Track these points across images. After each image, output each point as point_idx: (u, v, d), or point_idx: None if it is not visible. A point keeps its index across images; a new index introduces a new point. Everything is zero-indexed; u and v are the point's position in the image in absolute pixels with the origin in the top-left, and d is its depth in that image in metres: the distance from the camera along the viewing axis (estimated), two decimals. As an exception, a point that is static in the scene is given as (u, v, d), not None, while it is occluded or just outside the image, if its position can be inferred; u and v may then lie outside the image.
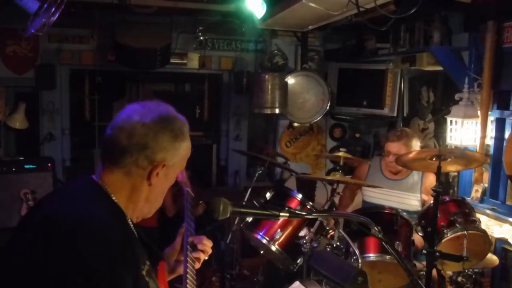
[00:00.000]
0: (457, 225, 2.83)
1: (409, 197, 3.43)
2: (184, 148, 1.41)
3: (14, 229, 1.30)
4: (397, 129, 3.61)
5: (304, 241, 2.83)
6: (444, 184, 3.87)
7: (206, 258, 1.72)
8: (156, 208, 1.46)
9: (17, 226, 1.31)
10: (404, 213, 3.01)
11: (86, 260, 1.14)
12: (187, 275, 1.63)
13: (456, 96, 3.50)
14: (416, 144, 3.38)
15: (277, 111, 5.02)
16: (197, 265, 1.68)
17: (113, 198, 1.33)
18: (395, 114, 4.97)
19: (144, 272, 1.29)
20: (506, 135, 3.31)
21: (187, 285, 1.62)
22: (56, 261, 1.14)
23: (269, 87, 4.90)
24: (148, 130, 1.32)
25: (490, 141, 3.45)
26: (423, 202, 3.39)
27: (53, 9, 2.85)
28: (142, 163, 1.32)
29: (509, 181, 3.30)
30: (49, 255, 1.15)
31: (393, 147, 3.36)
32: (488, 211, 3.40)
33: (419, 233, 2.99)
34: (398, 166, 3.23)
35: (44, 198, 1.38)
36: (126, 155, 1.31)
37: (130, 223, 1.37)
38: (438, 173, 2.73)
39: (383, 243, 1.77)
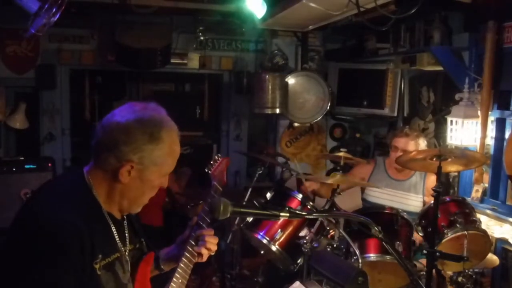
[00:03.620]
0: (458, 225, 2.83)
1: (412, 198, 3.44)
2: (159, 154, 1.41)
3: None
4: (405, 127, 3.64)
5: (305, 241, 2.83)
6: (444, 184, 3.87)
7: (212, 253, 1.71)
8: (140, 206, 1.50)
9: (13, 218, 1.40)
10: (405, 213, 3.01)
11: (41, 256, 1.25)
12: (178, 269, 1.63)
13: (456, 96, 3.50)
14: (423, 143, 3.41)
15: (277, 111, 5.02)
16: (200, 260, 1.68)
17: (94, 192, 1.41)
18: (395, 114, 4.97)
19: (97, 266, 1.34)
20: (507, 135, 3.30)
21: (174, 279, 1.62)
22: (13, 253, 1.27)
23: (270, 87, 4.90)
24: (120, 130, 1.37)
25: (490, 141, 3.45)
26: (424, 204, 3.40)
27: (54, 10, 2.85)
28: (111, 160, 1.38)
29: (509, 181, 3.30)
30: (9, 249, 1.29)
31: (401, 142, 3.38)
32: (488, 211, 3.40)
33: (420, 233, 2.99)
34: None
35: (37, 191, 1.45)
36: (101, 152, 1.40)
37: (107, 216, 1.43)
38: (439, 173, 2.72)
39: (383, 243, 1.77)
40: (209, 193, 1.89)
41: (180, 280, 1.63)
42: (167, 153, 1.43)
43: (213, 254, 1.71)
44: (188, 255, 1.64)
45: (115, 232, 1.45)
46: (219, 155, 2.07)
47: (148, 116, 1.41)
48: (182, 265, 1.63)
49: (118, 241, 1.46)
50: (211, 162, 2.02)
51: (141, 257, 1.60)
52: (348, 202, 3.83)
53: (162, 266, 1.70)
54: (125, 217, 1.54)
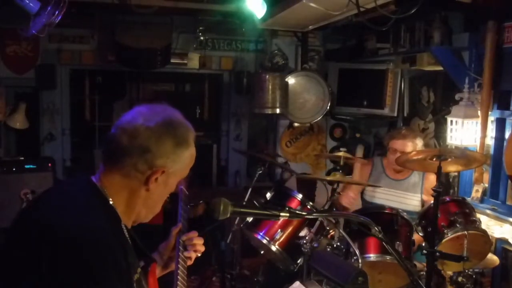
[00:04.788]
0: (458, 225, 2.83)
1: (410, 197, 3.44)
2: (186, 156, 1.36)
3: (9, 228, 1.27)
4: (401, 128, 3.62)
5: (305, 241, 2.83)
6: (444, 184, 3.87)
7: (199, 255, 1.72)
8: (154, 214, 1.43)
9: (12, 226, 1.28)
10: (405, 213, 3.02)
11: (92, 269, 1.13)
12: (178, 277, 1.63)
13: (457, 96, 3.50)
14: (420, 143, 3.41)
15: (277, 111, 5.01)
16: (189, 263, 1.69)
17: (111, 201, 1.30)
18: (395, 114, 4.97)
19: (135, 280, 1.28)
20: (507, 135, 3.30)
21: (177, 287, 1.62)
22: (61, 269, 1.13)
23: (270, 87, 4.90)
24: (150, 134, 1.28)
25: (490, 141, 3.45)
26: (423, 203, 3.40)
27: (57, 12, 2.85)
28: (141, 167, 1.29)
29: (509, 181, 3.30)
30: (52, 263, 1.13)
31: (399, 144, 3.38)
32: (488, 211, 3.40)
33: (420, 233, 2.99)
34: None
35: (41, 198, 1.34)
36: (126, 157, 1.28)
37: (124, 228, 1.33)
38: (439, 173, 2.72)
39: (383, 243, 1.77)
40: (181, 197, 1.88)
41: None
42: (191, 155, 1.39)
43: (199, 255, 1.73)
44: (181, 261, 1.65)
45: (131, 244, 1.36)
46: None
47: (174, 118, 1.35)
48: (179, 272, 1.64)
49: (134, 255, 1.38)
50: None
51: (143, 269, 1.51)
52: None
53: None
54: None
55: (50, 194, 1.37)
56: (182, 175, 1.40)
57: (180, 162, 1.34)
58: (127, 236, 1.34)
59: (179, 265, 1.64)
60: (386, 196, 3.47)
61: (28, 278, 1.14)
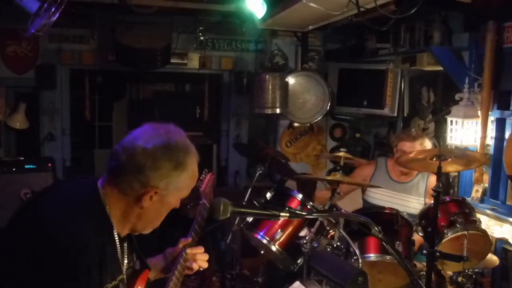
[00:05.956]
0: (458, 225, 2.83)
1: (413, 200, 3.44)
2: (183, 179, 1.40)
3: (9, 220, 1.36)
4: (409, 130, 3.62)
5: (305, 241, 2.82)
6: (444, 184, 3.87)
7: (201, 269, 1.76)
8: (153, 228, 1.49)
9: (12, 218, 1.36)
10: (405, 214, 3.01)
11: (65, 272, 1.23)
12: (172, 280, 1.65)
13: (457, 96, 3.50)
14: (428, 144, 3.41)
15: (277, 111, 5.02)
16: (189, 272, 1.73)
17: (107, 210, 1.37)
18: (395, 114, 4.96)
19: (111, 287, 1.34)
20: (507, 135, 3.30)
21: None
22: (41, 266, 1.23)
23: (270, 87, 4.90)
24: (147, 156, 1.34)
25: (490, 141, 3.45)
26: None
27: (53, 9, 2.85)
28: (135, 185, 1.35)
29: (509, 181, 3.30)
30: (31, 258, 1.24)
31: (409, 146, 3.35)
32: (488, 211, 3.40)
33: (420, 233, 2.99)
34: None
35: (42, 194, 1.41)
36: (122, 174, 1.35)
37: (116, 236, 1.40)
38: (439, 173, 2.72)
39: (383, 243, 1.77)
40: (198, 210, 1.88)
41: None
42: (190, 177, 1.43)
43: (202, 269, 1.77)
44: (180, 268, 1.68)
45: (119, 252, 1.43)
46: (206, 170, 2.05)
47: (173, 141, 1.38)
48: (174, 278, 1.66)
49: (120, 262, 1.44)
50: (200, 178, 1.98)
51: (134, 274, 1.58)
52: (349, 202, 3.83)
53: (148, 276, 1.70)
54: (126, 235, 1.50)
55: (51, 193, 1.43)
56: (180, 195, 1.45)
57: (175, 184, 1.39)
58: (117, 243, 1.40)
59: (176, 272, 1.66)
60: (389, 199, 3.45)
61: (15, 274, 1.24)
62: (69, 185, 1.49)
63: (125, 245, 1.49)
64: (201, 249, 1.75)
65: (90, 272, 1.26)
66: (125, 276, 1.46)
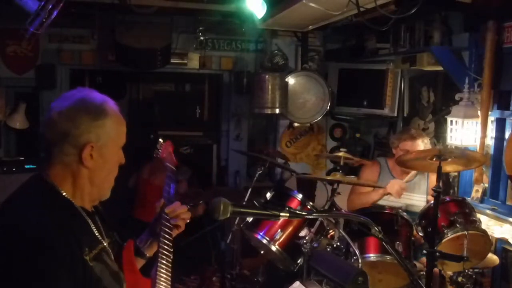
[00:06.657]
0: (458, 225, 2.83)
1: (416, 198, 3.45)
2: (109, 125, 1.43)
3: None
4: (408, 129, 3.63)
5: (305, 241, 2.83)
6: (444, 184, 3.87)
7: (188, 221, 1.77)
8: (108, 189, 1.51)
9: None
10: (405, 214, 3.01)
11: (34, 266, 1.22)
12: (161, 249, 1.66)
13: (456, 96, 3.50)
14: (427, 141, 3.46)
15: (277, 111, 5.02)
16: (180, 230, 1.74)
17: (60, 189, 1.39)
18: (395, 114, 4.96)
19: (87, 257, 1.35)
20: (507, 135, 3.30)
21: (159, 258, 1.65)
22: (10, 270, 1.23)
23: (269, 87, 4.90)
24: (64, 117, 1.37)
25: (490, 141, 3.45)
26: (428, 203, 3.39)
27: (51, 7, 2.85)
28: (69, 150, 1.38)
29: (509, 181, 3.30)
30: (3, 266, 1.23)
31: (410, 145, 3.39)
32: (488, 211, 3.40)
33: (420, 233, 2.99)
34: None
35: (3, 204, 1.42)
36: (54, 148, 1.38)
37: (83, 212, 1.42)
38: (439, 173, 2.72)
39: (383, 243, 1.77)
40: (167, 174, 1.94)
41: (165, 259, 1.67)
42: (116, 122, 1.45)
43: (188, 221, 1.78)
44: (166, 230, 1.69)
45: (92, 225, 1.44)
46: (161, 140, 2.09)
47: (84, 96, 1.42)
48: (163, 241, 1.67)
49: (97, 234, 1.46)
50: (156, 148, 2.05)
51: (121, 248, 1.62)
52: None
53: (144, 252, 1.72)
54: (94, 211, 1.53)
55: (9, 199, 1.43)
56: (117, 144, 1.47)
57: (105, 133, 1.42)
58: (85, 217, 1.43)
59: (163, 234, 1.67)
60: (391, 197, 3.46)
61: None
62: (19, 190, 1.46)
63: (97, 218, 1.51)
64: (177, 204, 1.76)
65: (64, 258, 1.26)
66: (106, 245, 1.48)
